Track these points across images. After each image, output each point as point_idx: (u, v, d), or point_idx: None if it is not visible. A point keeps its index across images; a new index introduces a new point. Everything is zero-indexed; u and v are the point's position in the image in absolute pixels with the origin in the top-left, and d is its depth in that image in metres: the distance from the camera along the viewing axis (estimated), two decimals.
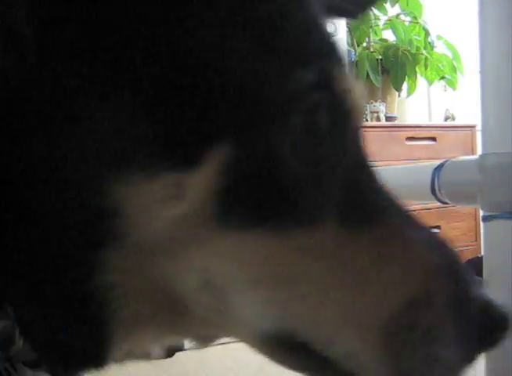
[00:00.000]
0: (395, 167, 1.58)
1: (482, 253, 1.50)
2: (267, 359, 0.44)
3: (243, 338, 0.44)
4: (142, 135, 0.38)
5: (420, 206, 2.73)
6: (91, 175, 0.38)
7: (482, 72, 1.13)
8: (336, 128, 0.41)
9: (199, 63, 0.38)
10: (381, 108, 3.17)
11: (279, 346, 0.41)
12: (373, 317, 0.40)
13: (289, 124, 0.38)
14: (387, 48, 3.16)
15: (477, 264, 2.82)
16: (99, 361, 0.43)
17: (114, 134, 0.38)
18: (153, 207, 0.38)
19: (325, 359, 0.41)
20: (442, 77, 3.27)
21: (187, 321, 0.43)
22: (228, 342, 2.13)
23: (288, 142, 0.38)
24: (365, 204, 0.42)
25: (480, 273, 1.44)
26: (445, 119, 3.67)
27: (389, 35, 3.27)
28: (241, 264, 0.40)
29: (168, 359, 1.78)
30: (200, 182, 0.38)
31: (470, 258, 2.82)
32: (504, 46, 1.08)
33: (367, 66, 3.03)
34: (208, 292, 0.40)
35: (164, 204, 0.38)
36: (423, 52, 3.18)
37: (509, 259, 1.11)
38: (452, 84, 3.26)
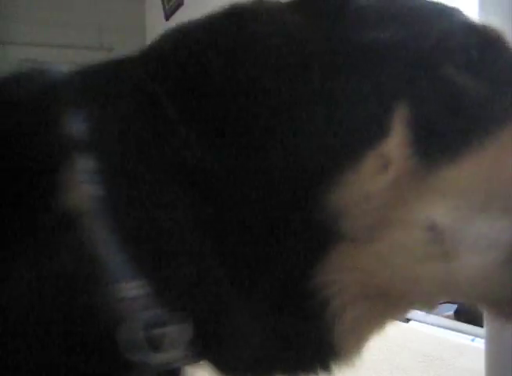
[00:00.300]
0: None
1: None
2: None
3: (473, 279, 0.44)
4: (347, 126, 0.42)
5: None
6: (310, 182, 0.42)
7: None
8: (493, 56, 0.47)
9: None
10: None
11: None
12: None
13: (457, 61, 0.45)
14: None
15: None
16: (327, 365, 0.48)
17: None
18: (364, 189, 0.42)
19: None
20: None
21: (409, 294, 0.46)
22: None
23: (460, 75, 0.44)
24: None
25: None
26: None
27: None
28: (458, 194, 0.43)
29: None
30: (396, 142, 0.42)
31: None
32: None
33: None
34: (435, 240, 0.43)
35: (373, 181, 0.42)
36: None
37: None
38: None
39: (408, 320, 2.63)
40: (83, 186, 0.44)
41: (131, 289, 0.45)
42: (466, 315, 2.58)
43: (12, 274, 0.44)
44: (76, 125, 0.46)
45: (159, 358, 0.45)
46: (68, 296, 0.44)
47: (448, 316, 2.74)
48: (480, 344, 1.66)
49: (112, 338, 0.45)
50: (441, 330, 2.42)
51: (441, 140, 0.43)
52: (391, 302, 0.48)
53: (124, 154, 0.45)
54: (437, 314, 2.77)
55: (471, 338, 2.21)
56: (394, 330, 2.01)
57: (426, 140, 0.43)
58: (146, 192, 0.45)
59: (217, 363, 0.49)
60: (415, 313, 2.70)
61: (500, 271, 0.43)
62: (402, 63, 0.44)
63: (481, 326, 1.25)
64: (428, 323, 2.56)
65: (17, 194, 0.45)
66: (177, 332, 0.45)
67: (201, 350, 0.47)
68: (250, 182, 0.44)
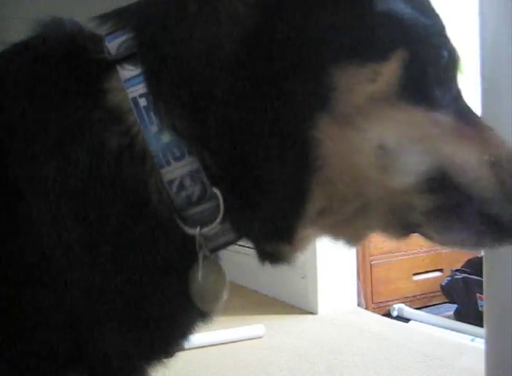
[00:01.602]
0: None
1: (482, 253, 1.50)
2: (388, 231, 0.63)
3: (398, 187, 0.59)
4: (355, 38, 0.57)
5: None
6: (321, 61, 0.57)
7: (482, 73, 1.13)
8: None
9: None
10: None
11: (427, 186, 0.59)
12: (482, 156, 0.61)
13: (435, 44, 0.62)
14: None
15: (477, 264, 2.82)
16: (292, 231, 0.59)
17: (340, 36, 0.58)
18: (356, 86, 0.57)
19: (459, 192, 0.60)
20: None
21: (356, 182, 0.59)
22: (229, 342, 2.11)
23: (438, 53, 0.62)
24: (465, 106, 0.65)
25: (480, 273, 1.43)
26: None
27: None
28: (407, 129, 0.58)
29: (168, 359, 1.78)
30: (388, 70, 0.57)
31: (470, 258, 2.81)
32: (504, 47, 1.08)
33: None
34: (380, 153, 0.58)
35: (364, 84, 0.57)
36: None
37: (509, 259, 1.11)
38: None
39: (408, 320, 2.63)
40: (125, 90, 0.58)
41: (179, 168, 0.57)
42: (467, 315, 2.58)
43: (73, 151, 0.56)
44: (120, 45, 0.60)
45: (204, 231, 0.58)
46: (121, 173, 0.56)
47: (448, 316, 2.74)
48: (480, 344, 1.66)
49: (171, 213, 0.57)
50: (441, 330, 2.42)
51: (413, 89, 0.59)
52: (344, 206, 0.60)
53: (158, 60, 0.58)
54: (437, 314, 2.77)
55: (471, 338, 2.21)
56: (394, 330, 2.00)
57: (405, 82, 0.58)
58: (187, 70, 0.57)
59: (248, 234, 0.60)
60: (415, 313, 2.71)
61: (408, 193, 0.59)
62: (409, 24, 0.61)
63: (481, 326, 1.25)
64: (428, 323, 2.56)
65: (74, 97, 0.58)
66: (212, 208, 0.58)
67: (234, 223, 0.59)
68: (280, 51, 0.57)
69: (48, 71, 0.59)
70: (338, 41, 0.57)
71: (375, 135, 0.58)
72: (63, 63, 0.59)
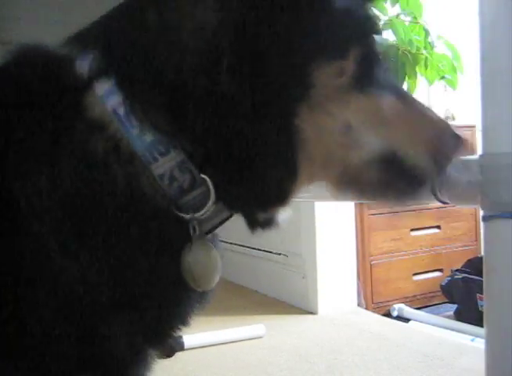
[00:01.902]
0: None
1: (482, 253, 1.50)
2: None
3: (357, 161, 0.69)
4: (327, 42, 0.66)
5: (420, 206, 2.72)
6: (303, 61, 0.65)
7: (482, 72, 1.13)
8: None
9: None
10: None
11: (380, 162, 0.69)
12: (423, 138, 0.71)
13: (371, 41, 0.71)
14: (387, 48, 3.14)
15: (477, 264, 2.82)
16: (288, 197, 0.67)
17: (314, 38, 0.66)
18: (328, 80, 0.65)
19: (404, 168, 0.69)
20: (442, 77, 3.26)
21: (327, 156, 0.69)
22: (229, 342, 2.12)
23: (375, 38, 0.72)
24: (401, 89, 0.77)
25: (480, 273, 1.44)
26: (445, 119, 3.66)
27: (389, 35, 3.26)
28: (367, 113, 0.68)
29: (168, 359, 1.78)
30: (349, 66, 0.66)
31: (470, 258, 2.81)
32: (504, 46, 1.08)
33: None
34: (347, 133, 0.67)
35: (334, 79, 0.66)
36: (424, 52, 3.17)
37: (509, 259, 1.11)
38: (452, 84, 3.25)
39: (408, 320, 2.63)
40: (103, 103, 0.62)
41: (167, 162, 0.62)
42: (467, 315, 2.58)
43: (62, 158, 0.60)
44: (90, 64, 0.63)
45: (198, 215, 0.63)
46: (109, 174, 0.60)
47: (448, 316, 2.74)
48: (480, 344, 1.66)
49: (166, 203, 0.62)
50: (441, 330, 2.42)
51: (366, 80, 0.68)
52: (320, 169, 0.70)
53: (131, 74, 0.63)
54: (437, 314, 2.77)
55: (471, 338, 2.21)
56: (394, 330, 2.01)
57: (360, 74, 0.67)
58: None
59: (241, 209, 0.66)
60: (415, 313, 2.71)
61: (364, 167, 0.69)
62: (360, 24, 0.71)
63: (481, 326, 1.25)
64: (428, 323, 2.56)
65: (56, 118, 0.61)
66: (204, 192, 0.63)
67: (227, 202, 0.65)
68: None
69: (26, 97, 0.63)
70: (314, 43, 0.65)
71: (342, 118, 0.67)
72: (40, 87, 0.63)
